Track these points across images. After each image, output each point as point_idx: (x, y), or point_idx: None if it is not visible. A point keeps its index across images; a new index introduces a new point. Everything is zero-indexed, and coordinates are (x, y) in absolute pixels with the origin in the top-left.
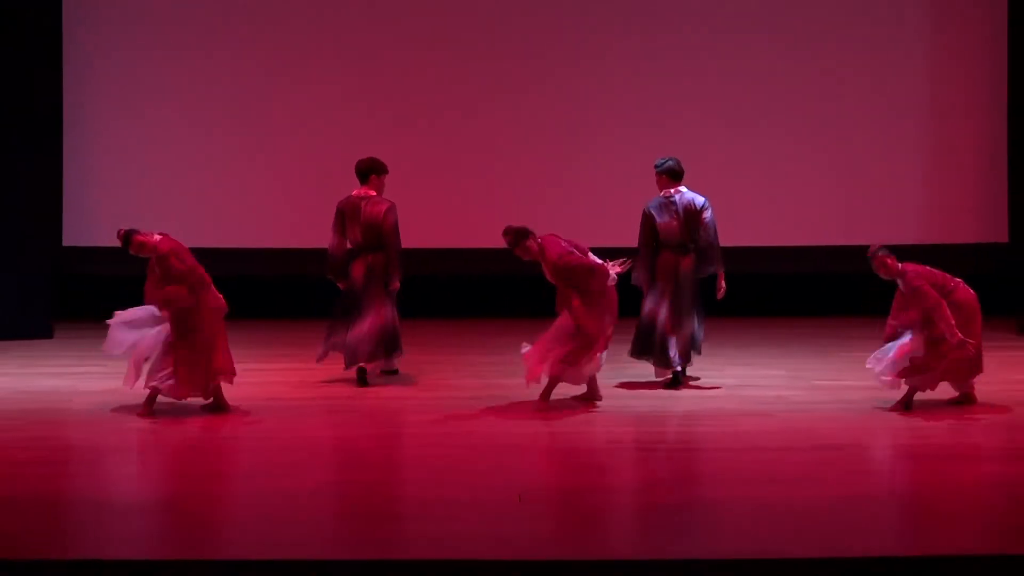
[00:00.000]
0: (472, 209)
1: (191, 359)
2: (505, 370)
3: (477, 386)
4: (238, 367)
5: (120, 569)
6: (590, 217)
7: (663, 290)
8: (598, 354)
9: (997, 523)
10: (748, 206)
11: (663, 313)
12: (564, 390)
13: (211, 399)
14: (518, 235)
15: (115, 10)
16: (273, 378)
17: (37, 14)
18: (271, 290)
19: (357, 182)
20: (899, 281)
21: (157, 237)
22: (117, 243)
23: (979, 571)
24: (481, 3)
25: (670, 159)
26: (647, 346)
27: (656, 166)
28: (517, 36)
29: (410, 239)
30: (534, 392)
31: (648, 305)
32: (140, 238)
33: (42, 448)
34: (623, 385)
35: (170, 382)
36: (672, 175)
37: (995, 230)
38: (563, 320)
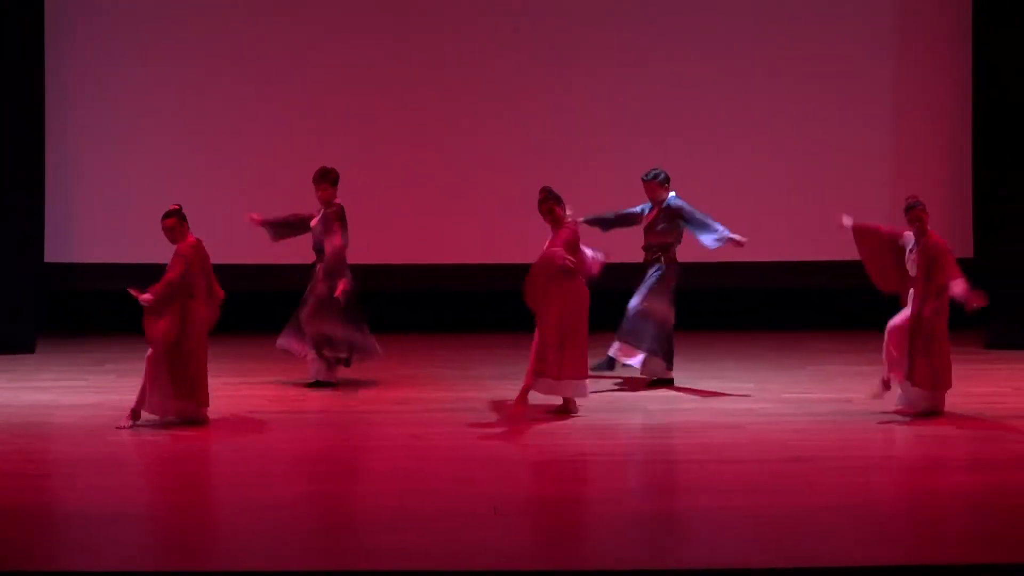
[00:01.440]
0: (443, 224)
1: (172, 374)
2: (476, 383)
3: (449, 399)
4: (213, 380)
5: None
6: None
7: (670, 287)
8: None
9: (963, 533)
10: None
11: (667, 307)
12: (542, 403)
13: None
14: (551, 195)
15: (98, 29)
16: (247, 391)
17: (19, 32)
18: (247, 305)
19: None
20: (917, 240)
21: (190, 239)
22: (98, 259)
23: None
24: (474, 23)
25: (660, 169)
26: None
27: (653, 177)
28: (506, 55)
29: (384, 254)
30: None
31: (659, 301)
32: (173, 223)
33: (26, 461)
34: (596, 397)
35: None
36: (668, 182)
37: (960, 245)
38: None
